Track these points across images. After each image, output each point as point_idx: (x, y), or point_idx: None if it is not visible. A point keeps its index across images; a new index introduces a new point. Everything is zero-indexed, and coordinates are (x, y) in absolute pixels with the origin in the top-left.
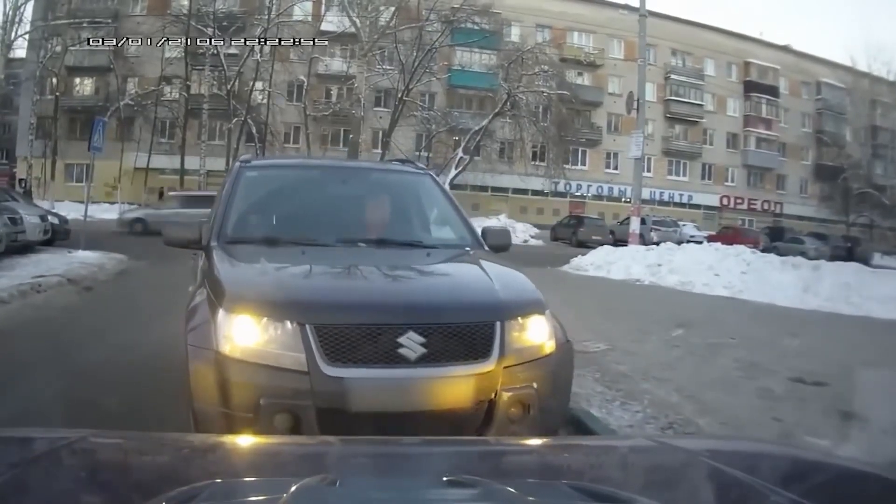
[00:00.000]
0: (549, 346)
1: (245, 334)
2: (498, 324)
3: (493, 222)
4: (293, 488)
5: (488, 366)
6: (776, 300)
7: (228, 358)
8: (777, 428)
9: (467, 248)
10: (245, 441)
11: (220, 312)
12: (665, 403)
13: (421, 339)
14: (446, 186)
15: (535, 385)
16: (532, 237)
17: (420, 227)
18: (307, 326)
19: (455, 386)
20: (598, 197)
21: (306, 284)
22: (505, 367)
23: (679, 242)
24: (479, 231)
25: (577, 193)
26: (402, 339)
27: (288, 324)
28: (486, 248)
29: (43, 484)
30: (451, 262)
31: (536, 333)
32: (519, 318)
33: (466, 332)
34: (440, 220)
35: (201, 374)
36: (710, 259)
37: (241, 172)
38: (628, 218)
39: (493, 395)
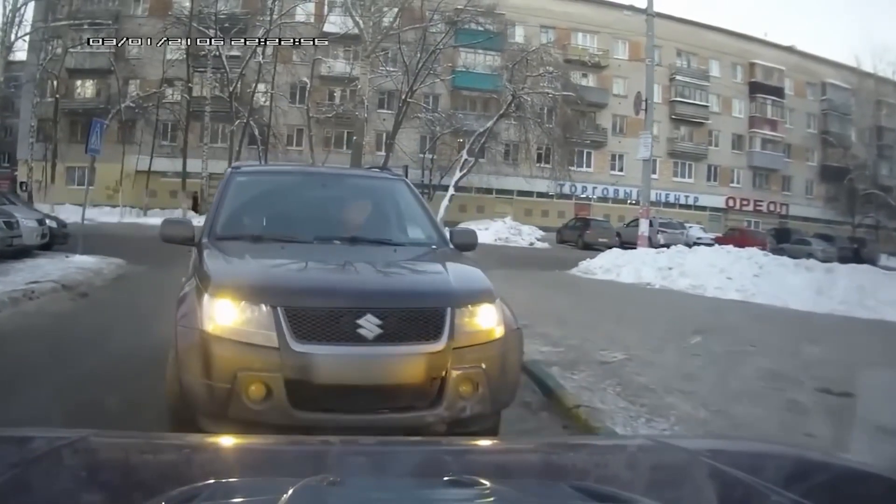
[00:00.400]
0: (499, 332)
1: (226, 315)
2: (448, 310)
3: (498, 224)
4: (293, 488)
5: (438, 346)
6: (789, 303)
7: (211, 336)
8: (811, 445)
9: (433, 247)
10: (245, 441)
11: (206, 297)
12: (693, 419)
13: (378, 322)
14: (451, 190)
15: (483, 365)
16: (538, 239)
17: (391, 227)
18: (278, 309)
19: (408, 363)
20: (604, 199)
21: (280, 273)
22: (454, 349)
23: (688, 244)
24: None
25: (582, 195)
26: (360, 321)
27: (262, 306)
28: (452, 246)
29: (43, 484)
30: (414, 258)
31: (485, 320)
32: (469, 305)
33: (419, 316)
34: (411, 221)
35: (188, 350)
36: (722, 262)
37: (231, 177)
38: (635, 220)
39: (443, 373)
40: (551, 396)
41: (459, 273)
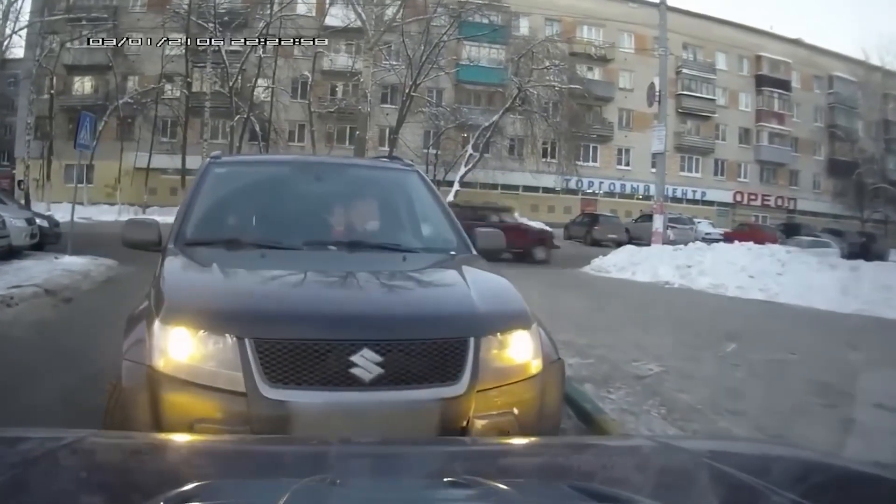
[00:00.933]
0: (535, 366)
1: (180, 349)
2: (471, 340)
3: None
4: (293, 488)
5: (458, 389)
6: (814, 303)
7: (162, 375)
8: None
9: (452, 253)
10: (245, 441)
11: (156, 323)
12: None
13: (378, 358)
14: (456, 186)
15: (515, 411)
16: None
17: (400, 228)
18: (246, 341)
19: (417, 413)
20: (610, 194)
21: (251, 293)
22: (479, 391)
23: (697, 240)
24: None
25: (588, 190)
26: (355, 358)
27: (227, 338)
28: (475, 252)
29: (43, 484)
30: (428, 268)
31: (519, 351)
32: (498, 333)
33: (433, 350)
34: (425, 221)
35: (134, 391)
36: (743, 260)
37: (208, 170)
38: (643, 216)
39: (464, 424)
40: (589, 422)
41: (485, 289)
